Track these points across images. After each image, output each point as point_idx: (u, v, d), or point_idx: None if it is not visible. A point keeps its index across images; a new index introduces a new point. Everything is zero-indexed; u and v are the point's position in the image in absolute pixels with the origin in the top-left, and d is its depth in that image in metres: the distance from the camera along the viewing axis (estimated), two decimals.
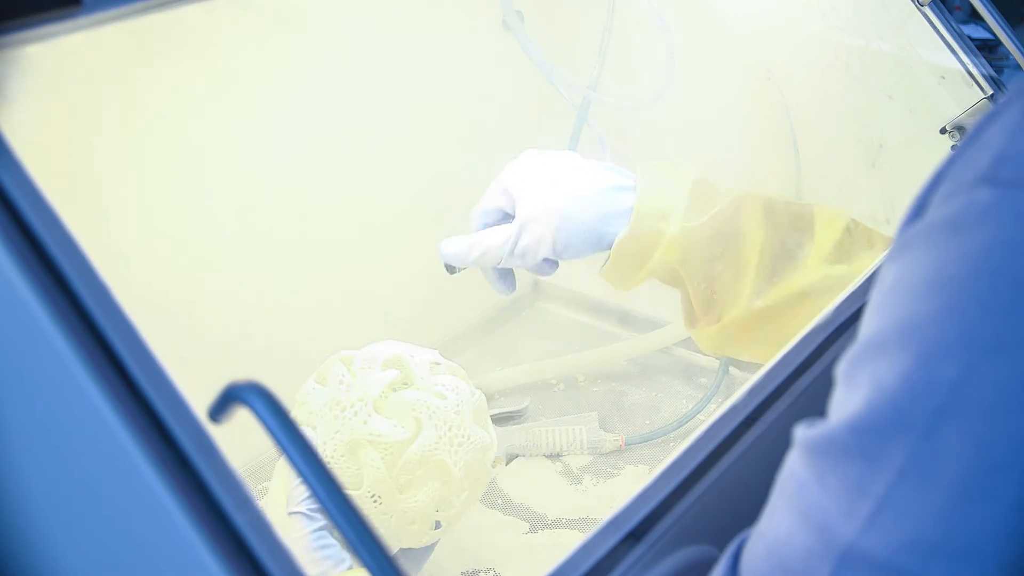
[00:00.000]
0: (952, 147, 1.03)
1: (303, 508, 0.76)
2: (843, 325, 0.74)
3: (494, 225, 0.90)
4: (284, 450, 0.46)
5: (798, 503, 0.47)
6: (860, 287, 0.78)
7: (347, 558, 0.75)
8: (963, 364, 0.42)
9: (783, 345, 0.85)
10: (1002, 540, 0.41)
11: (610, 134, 1.08)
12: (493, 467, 1.07)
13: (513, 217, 0.88)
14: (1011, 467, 0.41)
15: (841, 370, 0.48)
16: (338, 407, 0.80)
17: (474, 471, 0.83)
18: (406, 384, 0.83)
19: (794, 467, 0.48)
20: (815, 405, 0.72)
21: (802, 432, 0.48)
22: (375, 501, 0.80)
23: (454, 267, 0.92)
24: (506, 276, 0.93)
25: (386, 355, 0.84)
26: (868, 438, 0.44)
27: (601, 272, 0.88)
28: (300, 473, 0.46)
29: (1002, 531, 0.41)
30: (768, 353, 0.89)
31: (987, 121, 0.46)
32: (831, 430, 0.46)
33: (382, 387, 0.81)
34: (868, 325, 0.47)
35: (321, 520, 0.76)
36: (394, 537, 0.83)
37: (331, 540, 0.76)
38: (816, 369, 0.70)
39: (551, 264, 0.91)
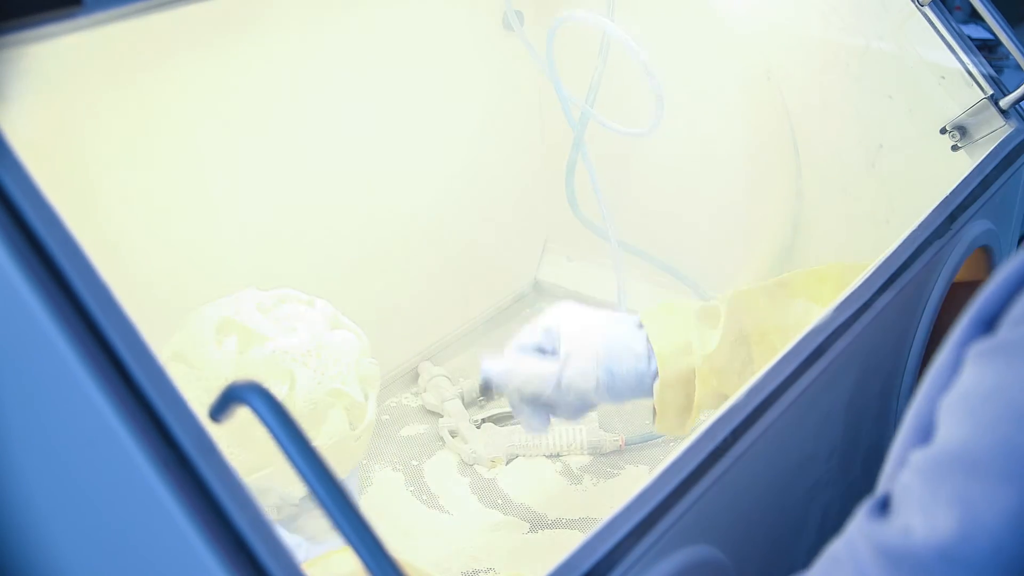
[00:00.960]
0: (952, 147, 1.03)
1: None
2: (842, 326, 0.74)
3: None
4: (284, 449, 0.46)
5: None
6: (859, 288, 0.78)
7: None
8: None
9: None
10: None
11: (611, 134, 1.08)
12: (492, 467, 1.07)
13: (554, 353, 0.88)
14: None
15: (921, 466, 0.46)
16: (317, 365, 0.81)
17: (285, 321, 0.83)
18: (248, 344, 0.83)
19: (861, 557, 0.46)
20: (815, 405, 0.72)
21: (871, 525, 0.47)
22: None
23: (491, 390, 0.89)
24: (539, 413, 0.90)
25: (215, 320, 0.83)
26: (960, 571, 0.43)
27: (655, 425, 0.89)
28: (300, 472, 0.46)
29: None
30: None
31: None
32: (915, 546, 0.44)
33: (226, 365, 0.81)
34: (952, 429, 0.45)
35: None
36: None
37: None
38: (815, 370, 0.71)
39: (584, 410, 0.90)
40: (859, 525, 0.47)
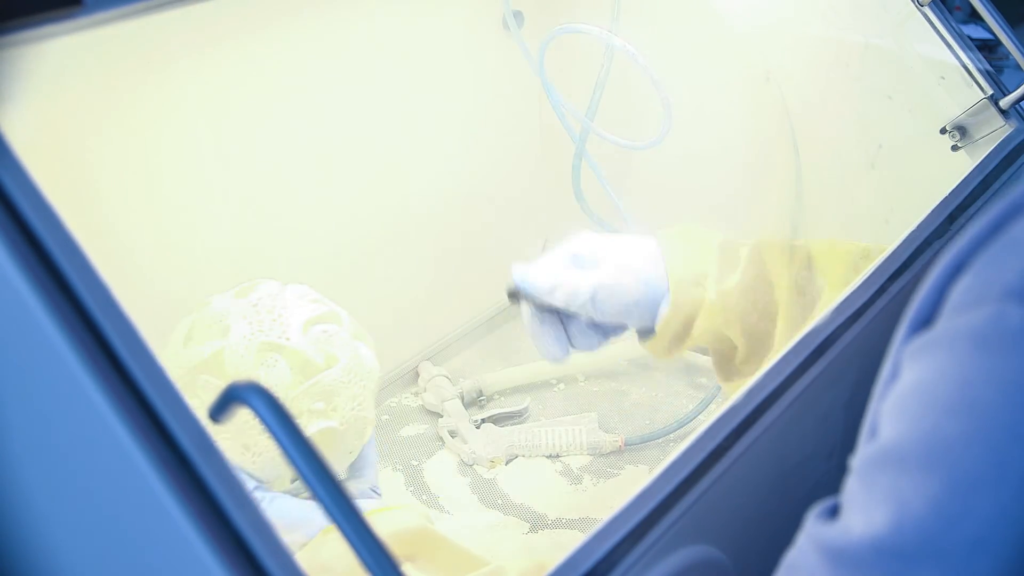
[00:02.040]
0: (952, 147, 1.03)
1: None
2: (841, 326, 0.74)
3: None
4: (284, 449, 0.46)
5: None
6: (859, 288, 0.78)
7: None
8: (1000, 499, 0.41)
9: None
10: None
11: (611, 132, 1.08)
12: (492, 467, 1.07)
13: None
14: None
15: (859, 467, 0.47)
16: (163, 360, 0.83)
17: (324, 342, 0.84)
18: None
19: (809, 562, 0.47)
20: (815, 405, 0.72)
21: (817, 528, 0.47)
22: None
23: (519, 297, 0.86)
24: (561, 339, 0.88)
25: (311, 295, 0.87)
26: (893, 563, 0.43)
27: (644, 345, 0.87)
28: (300, 472, 0.46)
29: None
30: None
31: (1012, 212, 0.45)
32: (852, 542, 0.45)
33: (308, 316, 0.84)
34: (886, 428, 0.46)
35: (270, 494, 0.78)
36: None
37: (300, 502, 0.77)
38: (815, 370, 0.71)
39: (604, 335, 0.89)
40: (807, 530, 0.48)
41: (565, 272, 0.85)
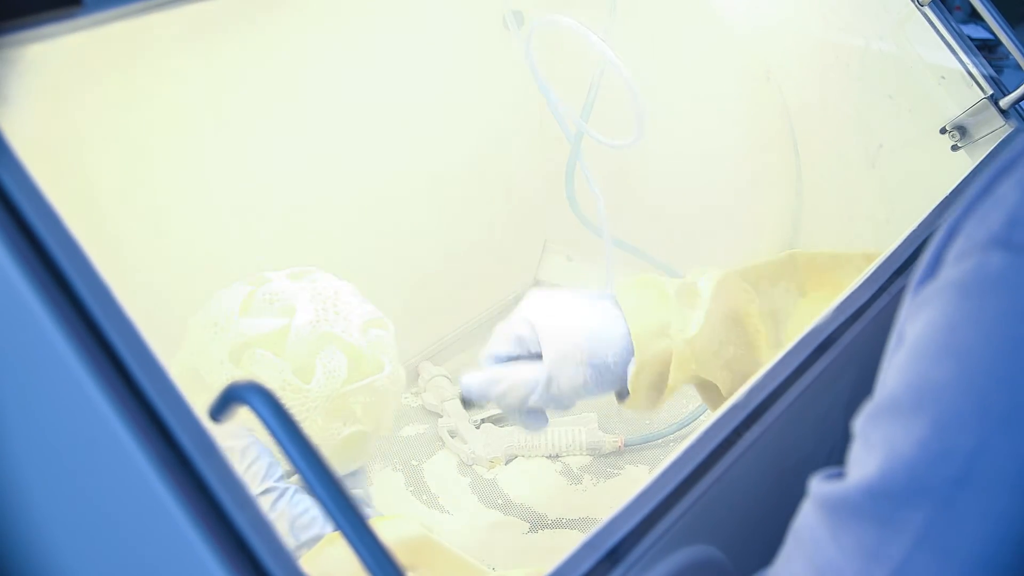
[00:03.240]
0: (952, 147, 1.03)
1: (270, 483, 0.76)
2: (842, 325, 0.74)
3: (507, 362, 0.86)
4: (284, 449, 0.46)
5: (814, 558, 0.47)
6: (859, 288, 0.78)
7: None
8: (979, 436, 0.42)
9: None
10: None
11: (607, 132, 1.08)
12: (492, 467, 1.07)
13: (531, 356, 0.85)
14: None
15: (858, 426, 0.48)
16: (211, 324, 0.81)
17: (378, 346, 0.83)
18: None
19: (810, 520, 0.48)
20: (815, 405, 0.72)
21: (817, 486, 0.48)
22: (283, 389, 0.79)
23: (472, 402, 0.87)
24: (534, 414, 0.87)
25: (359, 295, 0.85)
26: (884, 503, 0.44)
27: (624, 405, 0.86)
28: (300, 472, 0.46)
29: None
30: None
31: (999, 174, 0.46)
32: (847, 490, 0.46)
33: (368, 318, 0.83)
34: (884, 384, 0.47)
35: (289, 486, 0.77)
36: (334, 453, 0.83)
37: (312, 502, 0.77)
38: (815, 370, 0.71)
39: (542, 418, 0.88)
40: (810, 492, 0.49)
41: (510, 372, 0.84)
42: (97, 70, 0.83)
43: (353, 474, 0.90)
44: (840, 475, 0.48)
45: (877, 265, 0.80)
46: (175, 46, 0.88)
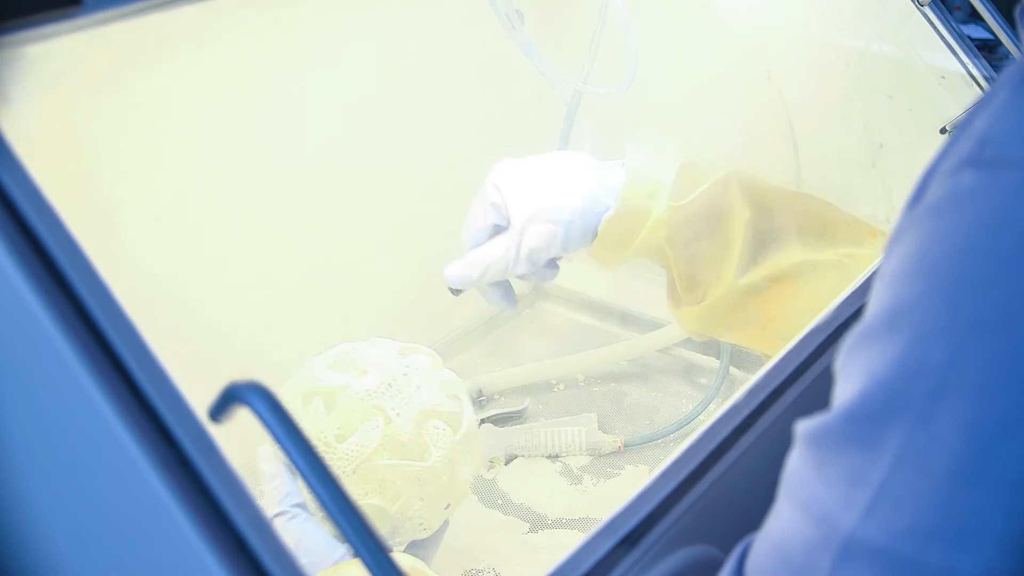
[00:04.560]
0: None
1: (284, 507, 0.76)
2: (843, 325, 0.74)
3: (487, 241, 0.89)
4: (284, 449, 0.46)
5: (799, 496, 0.47)
6: (859, 287, 0.78)
7: (339, 547, 0.76)
8: (952, 345, 0.42)
9: (766, 327, 0.86)
10: (1001, 521, 0.41)
11: (606, 131, 1.08)
12: (492, 467, 1.07)
13: (506, 227, 0.88)
14: (1007, 447, 0.41)
15: (838, 363, 0.48)
16: (389, 380, 0.83)
17: (429, 435, 0.83)
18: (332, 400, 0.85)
19: (794, 462, 0.48)
20: (815, 405, 0.72)
21: (802, 426, 0.48)
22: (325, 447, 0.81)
23: (459, 290, 0.91)
24: (508, 292, 0.92)
25: (298, 393, 0.85)
26: (864, 425, 0.44)
27: (589, 249, 0.88)
28: (300, 471, 0.46)
29: (1001, 512, 0.41)
30: (752, 335, 0.90)
31: (976, 110, 0.46)
32: (828, 420, 0.46)
33: (430, 407, 0.83)
34: (863, 317, 0.47)
35: (300, 512, 0.77)
36: (397, 529, 0.83)
37: (321, 531, 0.76)
38: (816, 369, 0.71)
39: (553, 265, 0.90)
40: (796, 434, 0.49)
41: (485, 251, 0.88)
42: (97, 70, 0.83)
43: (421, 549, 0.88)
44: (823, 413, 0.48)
45: (877, 265, 0.80)
46: (175, 46, 0.88)
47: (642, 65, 1.00)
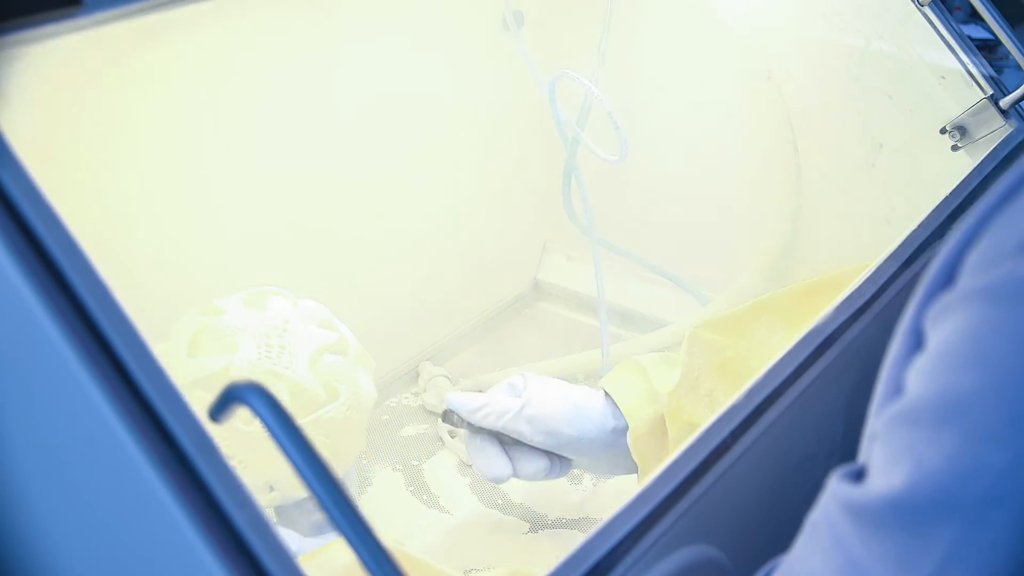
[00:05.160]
0: (952, 147, 1.03)
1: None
2: (842, 326, 0.74)
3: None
4: (284, 448, 0.46)
5: (837, 558, 0.46)
6: (859, 287, 0.78)
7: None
8: (1012, 451, 0.41)
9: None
10: None
11: (607, 133, 1.08)
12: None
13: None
14: None
15: (880, 427, 0.47)
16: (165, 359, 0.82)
17: (329, 374, 0.84)
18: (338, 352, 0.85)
19: (833, 518, 0.47)
20: (815, 404, 0.72)
21: (839, 486, 0.47)
22: None
23: (453, 418, 0.93)
24: (500, 457, 0.92)
25: (322, 315, 0.86)
26: (912, 516, 0.43)
27: (640, 478, 0.90)
28: (300, 471, 0.46)
29: None
30: None
31: (1021, 180, 0.45)
32: (872, 500, 0.45)
33: (318, 346, 0.83)
34: (909, 389, 0.46)
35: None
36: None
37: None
38: (816, 369, 0.71)
39: (555, 462, 0.92)
40: (831, 490, 0.48)
41: (492, 397, 0.91)
42: (97, 70, 0.83)
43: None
44: (860, 474, 0.48)
45: (877, 266, 0.80)
46: (175, 46, 0.88)
47: (642, 66, 1.00)
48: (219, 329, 0.83)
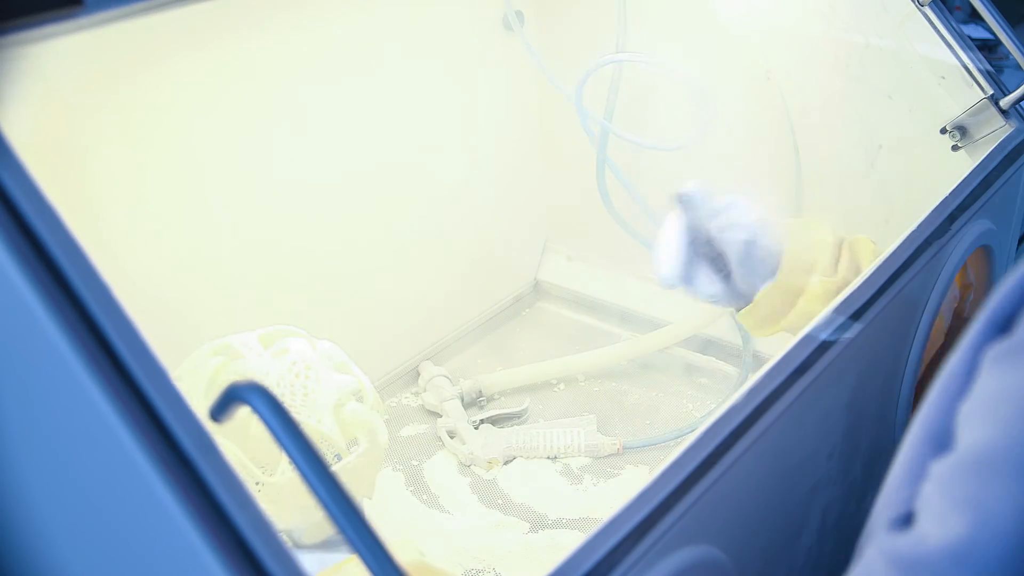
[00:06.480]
0: (952, 147, 1.03)
1: None
2: (842, 326, 0.74)
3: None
4: (285, 448, 0.46)
5: None
6: (858, 289, 0.78)
7: None
8: None
9: None
10: None
11: (611, 136, 1.08)
12: (490, 468, 1.07)
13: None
14: None
15: (939, 474, 0.45)
16: (288, 389, 0.82)
17: (352, 423, 0.84)
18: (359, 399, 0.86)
19: (878, 570, 0.46)
20: (815, 405, 0.72)
21: (889, 539, 0.46)
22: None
23: (687, 201, 0.90)
24: (717, 273, 0.90)
25: (339, 358, 0.86)
26: (970, 572, 0.42)
27: (738, 315, 0.90)
28: (300, 471, 0.46)
29: None
30: None
31: None
32: (928, 553, 0.44)
33: (339, 393, 0.83)
34: (969, 434, 0.45)
35: None
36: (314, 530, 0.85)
37: None
38: (815, 370, 0.71)
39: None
40: (878, 543, 0.47)
41: (735, 199, 0.88)
42: (97, 70, 0.83)
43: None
44: (907, 522, 0.46)
45: (877, 266, 0.80)
46: (176, 47, 0.88)
47: (642, 66, 1.00)
48: (240, 374, 0.82)
